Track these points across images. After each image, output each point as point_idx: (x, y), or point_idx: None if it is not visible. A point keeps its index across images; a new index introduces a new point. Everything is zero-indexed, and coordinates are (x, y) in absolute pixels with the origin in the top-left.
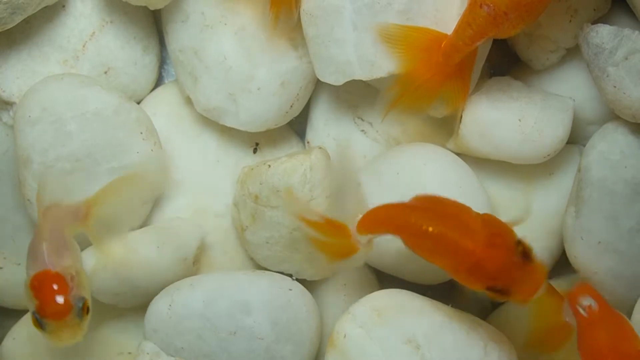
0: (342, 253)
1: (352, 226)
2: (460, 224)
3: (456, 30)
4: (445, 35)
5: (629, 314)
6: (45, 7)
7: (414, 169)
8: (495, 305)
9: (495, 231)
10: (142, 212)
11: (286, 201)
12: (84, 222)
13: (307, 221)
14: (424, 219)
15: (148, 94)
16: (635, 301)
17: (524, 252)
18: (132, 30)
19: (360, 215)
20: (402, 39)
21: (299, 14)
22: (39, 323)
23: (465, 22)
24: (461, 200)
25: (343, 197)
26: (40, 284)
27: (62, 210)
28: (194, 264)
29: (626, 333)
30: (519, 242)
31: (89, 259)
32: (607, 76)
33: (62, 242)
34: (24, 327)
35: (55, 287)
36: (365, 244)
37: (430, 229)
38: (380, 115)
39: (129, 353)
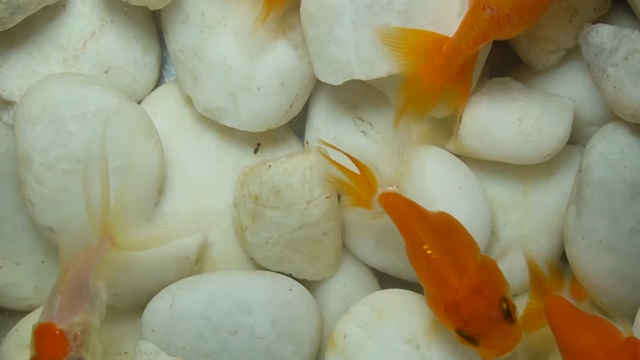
0: (359, 203)
1: (380, 189)
2: (457, 260)
3: (459, 33)
4: (447, 37)
5: (630, 315)
6: (45, 7)
7: (415, 171)
8: None
9: (487, 280)
10: (149, 203)
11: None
12: (115, 245)
13: (342, 168)
14: (428, 238)
15: (149, 93)
16: (636, 301)
17: (506, 310)
18: (132, 29)
19: (390, 189)
20: (404, 41)
21: (300, 14)
22: None
23: (468, 24)
24: (461, 201)
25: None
26: (42, 337)
27: (87, 257)
28: (196, 262)
29: (607, 328)
30: (505, 299)
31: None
32: (607, 76)
33: (83, 293)
34: (23, 327)
35: (53, 344)
36: (378, 210)
37: (429, 251)
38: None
39: (125, 353)
